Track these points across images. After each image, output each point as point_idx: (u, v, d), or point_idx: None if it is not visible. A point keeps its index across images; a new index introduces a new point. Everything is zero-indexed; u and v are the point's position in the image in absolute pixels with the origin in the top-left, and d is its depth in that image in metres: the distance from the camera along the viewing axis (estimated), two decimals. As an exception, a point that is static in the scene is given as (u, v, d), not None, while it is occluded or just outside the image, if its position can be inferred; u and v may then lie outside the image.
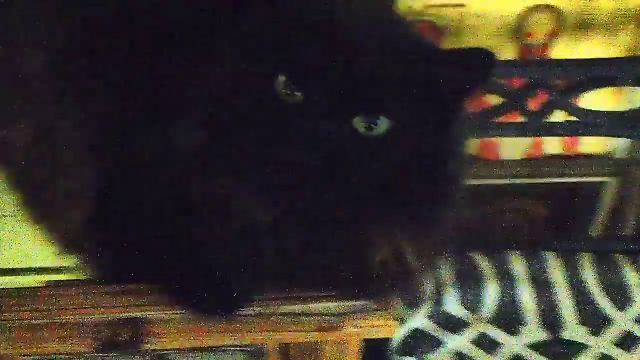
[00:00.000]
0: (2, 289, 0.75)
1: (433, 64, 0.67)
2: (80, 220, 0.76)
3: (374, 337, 0.77)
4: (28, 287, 0.75)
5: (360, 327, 0.75)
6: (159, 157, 0.69)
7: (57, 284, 0.88)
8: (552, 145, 1.32)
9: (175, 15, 0.74)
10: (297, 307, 0.75)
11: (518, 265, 1.19)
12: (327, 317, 0.75)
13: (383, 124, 0.65)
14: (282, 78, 0.65)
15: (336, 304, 0.75)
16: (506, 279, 1.17)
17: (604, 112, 1.11)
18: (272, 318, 0.75)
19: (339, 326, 0.75)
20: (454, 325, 1.14)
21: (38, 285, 0.81)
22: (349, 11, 0.71)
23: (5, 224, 0.96)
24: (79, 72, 0.75)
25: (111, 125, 0.73)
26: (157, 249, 0.73)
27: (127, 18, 0.75)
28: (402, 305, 1.02)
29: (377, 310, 0.75)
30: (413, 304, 1.06)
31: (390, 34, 0.71)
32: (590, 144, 1.33)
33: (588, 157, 1.34)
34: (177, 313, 0.75)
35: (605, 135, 1.11)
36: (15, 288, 0.75)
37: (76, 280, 0.81)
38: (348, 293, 0.75)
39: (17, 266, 1.12)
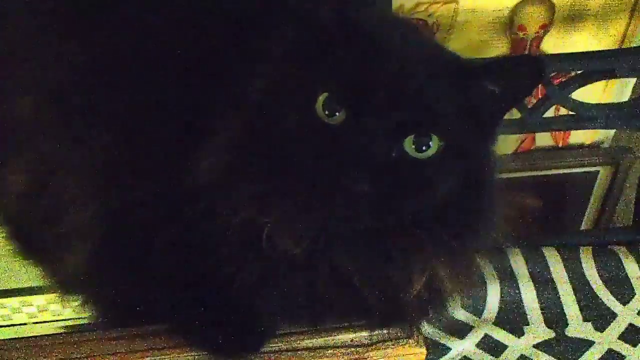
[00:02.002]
0: (9, 339, 0.70)
1: (481, 78, 0.63)
2: (83, 262, 0.71)
3: (403, 365, 0.74)
4: (34, 337, 0.70)
5: (389, 356, 0.72)
6: (177, 189, 0.64)
7: (64, 332, 0.83)
8: (543, 138, 1.30)
9: (207, 31, 0.69)
10: (322, 340, 0.72)
11: (518, 263, 1.17)
12: (354, 349, 0.72)
13: (434, 145, 0.61)
14: (323, 96, 0.60)
15: (363, 333, 0.72)
16: (507, 278, 1.15)
17: (601, 104, 1.09)
18: (295, 354, 0.71)
19: (367, 357, 0.72)
20: (458, 329, 1.11)
21: (43, 334, 0.75)
22: (395, 33, 0.66)
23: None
24: (78, 110, 0.70)
25: (118, 158, 0.68)
26: (171, 288, 0.69)
27: (145, 40, 0.69)
28: (442, 332, 0.99)
29: (405, 338, 0.72)
30: (454, 330, 1.03)
31: (434, 52, 0.67)
32: (580, 135, 1.32)
33: (579, 148, 1.32)
34: (195, 355, 0.70)
35: (603, 128, 1.09)
36: (21, 338, 0.70)
37: (82, 326, 0.76)
38: (376, 322, 0.71)
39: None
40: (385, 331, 0.72)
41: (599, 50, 1.11)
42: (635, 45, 1.20)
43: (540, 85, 1.07)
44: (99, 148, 0.70)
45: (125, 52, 0.71)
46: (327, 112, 0.62)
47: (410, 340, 0.72)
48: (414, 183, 0.63)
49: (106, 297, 0.74)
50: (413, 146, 0.62)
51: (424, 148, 0.62)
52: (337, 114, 0.61)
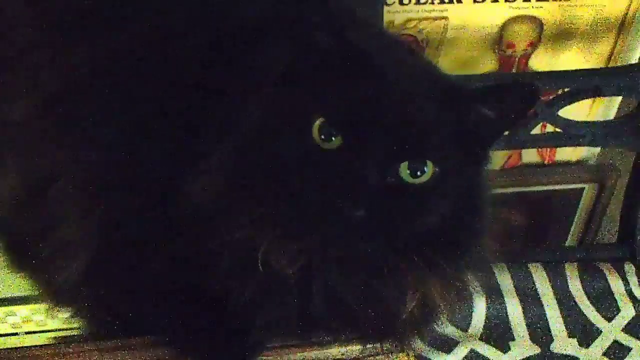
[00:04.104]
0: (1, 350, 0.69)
1: (477, 103, 0.63)
2: (78, 273, 0.70)
3: (393, 379, 0.74)
4: (25, 347, 0.69)
5: (380, 370, 0.72)
6: (171, 205, 0.64)
7: (55, 342, 0.82)
8: (530, 154, 1.31)
9: (203, 52, 0.68)
10: (313, 354, 0.71)
11: (504, 279, 1.17)
12: (346, 362, 0.72)
13: (429, 171, 0.62)
14: (319, 121, 0.61)
15: (355, 347, 0.72)
16: (493, 294, 1.15)
17: (587, 122, 1.10)
18: (287, 366, 0.71)
19: (359, 370, 0.72)
20: (444, 344, 1.11)
21: (34, 344, 0.75)
22: (390, 56, 0.66)
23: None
24: (73, 119, 0.69)
25: (114, 171, 0.68)
26: (165, 301, 0.69)
27: (145, 57, 0.69)
28: (428, 347, 0.99)
29: (396, 352, 0.72)
30: (439, 345, 1.03)
31: (430, 76, 0.67)
32: (566, 152, 1.32)
33: (564, 165, 1.33)
34: (186, 367, 0.70)
35: (589, 145, 1.10)
36: (15, 348, 0.69)
37: (69, 337, 0.76)
38: (369, 336, 0.72)
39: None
40: (378, 345, 0.72)
41: (586, 69, 1.13)
42: (621, 64, 1.22)
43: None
44: (94, 159, 0.69)
45: (123, 65, 0.71)
46: (323, 137, 0.62)
47: (401, 355, 0.72)
48: (408, 208, 0.63)
49: (99, 309, 0.73)
50: (408, 171, 0.62)
51: (418, 173, 0.63)
52: (333, 139, 0.62)
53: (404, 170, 0.62)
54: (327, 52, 0.63)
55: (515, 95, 0.65)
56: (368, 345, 0.71)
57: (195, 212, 0.64)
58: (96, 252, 0.71)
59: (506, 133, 1.06)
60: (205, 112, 0.66)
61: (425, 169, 0.62)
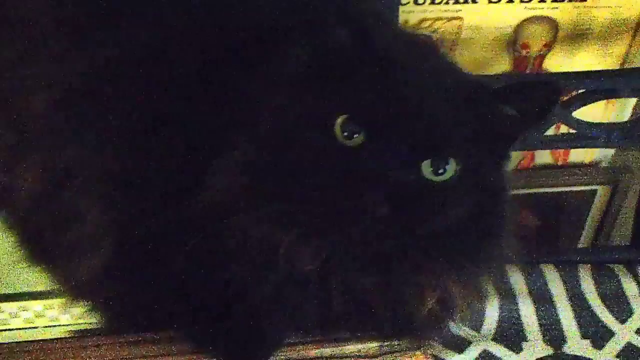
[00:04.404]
0: (15, 342, 0.69)
1: (499, 102, 0.63)
2: (97, 268, 0.70)
3: (409, 376, 0.74)
4: (42, 340, 0.69)
5: (396, 367, 0.72)
6: (191, 200, 0.64)
7: (71, 335, 0.83)
8: (543, 155, 1.31)
9: (223, 49, 0.69)
10: (330, 350, 0.71)
11: (517, 280, 1.17)
12: (361, 359, 0.72)
13: (451, 168, 0.62)
14: (342, 118, 0.61)
15: (372, 344, 0.72)
16: (506, 295, 1.15)
17: (602, 124, 1.10)
18: (304, 363, 0.71)
19: (375, 368, 0.72)
20: (457, 344, 1.11)
21: (51, 338, 0.75)
22: (411, 54, 0.66)
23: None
24: (93, 112, 0.69)
25: (134, 165, 0.68)
26: (184, 296, 0.69)
27: (162, 49, 0.69)
28: (441, 346, 0.99)
29: (413, 349, 0.72)
30: (452, 345, 1.03)
31: (451, 74, 0.67)
32: (579, 154, 1.32)
33: (578, 166, 1.33)
34: (203, 362, 0.70)
35: (603, 147, 1.10)
36: (31, 341, 0.69)
37: (91, 330, 0.76)
38: (386, 334, 0.71)
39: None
40: (395, 342, 0.71)
41: (601, 70, 1.12)
42: (636, 65, 1.22)
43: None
44: (114, 153, 0.69)
45: (144, 60, 0.71)
46: (345, 134, 0.62)
47: (417, 353, 0.72)
48: (431, 206, 0.63)
49: (118, 303, 0.73)
50: (430, 169, 0.62)
51: (441, 171, 0.63)
52: (355, 136, 0.61)
53: (426, 168, 0.62)
54: (349, 49, 0.63)
55: (537, 93, 0.64)
56: (385, 343, 0.71)
57: (216, 208, 0.64)
58: (116, 246, 0.70)
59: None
60: (227, 108, 0.66)
61: (447, 166, 0.62)
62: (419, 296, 0.66)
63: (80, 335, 0.81)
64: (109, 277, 0.72)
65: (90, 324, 0.78)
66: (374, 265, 0.64)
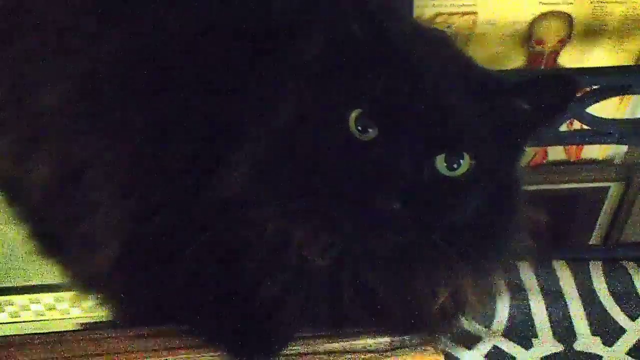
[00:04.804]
0: (26, 334, 0.69)
1: (514, 97, 0.63)
2: (109, 261, 0.71)
3: (420, 372, 0.73)
4: (53, 333, 0.70)
5: (407, 363, 0.72)
6: (205, 193, 0.64)
7: (82, 328, 0.83)
8: (556, 151, 1.30)
9: (238, 43, 0.68)
10: (341, 345, 0.71)
11: (528, 276, 1.17)
12: (373, 354, 0.72)
13: (465, 163, 0.61)
14: (356, 112, 0.60)
15: (383, 339, 0.72)
16: (517, 291, 1.15)
17: (616, 120, 1.10)
18: (314, 357, 0.71)
19: (385, 363, 0.72)
20: (467, 340, 1.11)
21: (62, 330, 0.75)
22: (426, 48, 0.66)
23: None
24: (108, 104, 0.69)
25: (148, 158, 0.68)
26: (195, 289, 0.69)
27: (173, 47, 0.69)
28: (453, 342, 0.99)
29: (424, 345, 0.72)
30: (462, 341, 1.03)
31: (466, 69, 0.66)
32: (592, 150, 1.32)
33: (590, 163, 1.32)
34: (215, 355, 0.70)
35: (617, 143, 1.09)
36: (42, 333, 0.69)
37: (100, 323, 0.76)
38: (398, 329, 0.71)
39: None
40: (405, 338, 0.71)
41: (616, 66, 1.12)
42: (651, 62, 1.21)
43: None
44: (129, 146, 0.69)
45: (156, 53, 0.71)
46: (359, 129, 0.61)
47: (429, 348, 0.72)
48: (444, 201, 0.62)
49: (130, 296, 0.73)
50: (445, 164, 0.62)
51: (455, 166, 0.62)
52: (369, 130, 0.61)
53: (440, 162, 0.62)
54: (363, 43, 0.63)
55: (553, 88, 0.64)
56: (396, 338, 0.71)
57: (229, 202, 0.64)
58: (128, 240, 0.71)
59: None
60: (244, 101, 0.66)
61: (461, 161, 0.62)
62: (431, 292, 0.66)
63: (89, 328, 0.81)
64: (120, 270, 0.72)
65: (100, 317, 0.78)
66: (386, 261, 0.64)
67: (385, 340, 0.71)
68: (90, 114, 0.71)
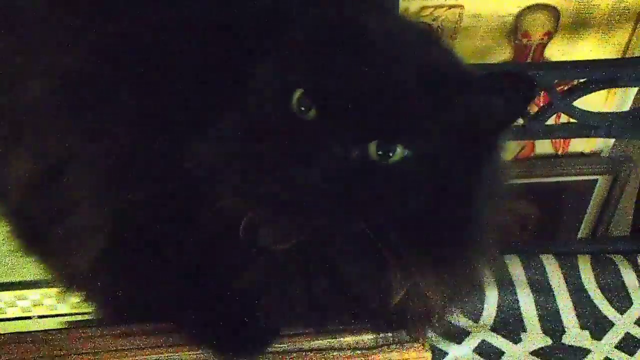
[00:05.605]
0: (12, 333, 0.69)
1: (465, 92, 0.62)
2: (91, 258, 0.70)
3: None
4: (39, 331, 0.69)
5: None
6: (177, 188, 0.64)
7: (69, 325, 0.82)
8: (543, 145, 1.30)
9: (215, 31, 0.68)
10: (327, 342, 0.71)
11: (516, 270, 1.17)
12: (359, 351, 0.71)
13: (398, 153, 0.61)
14: (299, 92, 0.61)
15: (368, 336, 0.71)
16: (505, 285, 1.15)
17: (603, 113, 1.09)
18: (301, 355, 0.70)
19: (372, 359, 0.72)
20: (455, 334, 1.11)
21: (48, 329, 0.74)
22: (379, 29, 0.66)
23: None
24: (89, 99, 0.69)
25: (127, 152, 0.67)
26: (175, 286, 0.68)
27: (144, 38, 0.69)
28: (439, 337, 0.99)
29: (410, 341, 0.72)
30: (451, 335, 1.02)
31: (421, 57, 0.66)
32: (579, 144, 1.31)
33: (578, 156, 1.32)
34: (199, 354, 0.70)
35: (604, 137, 1.09)
36: (28, 332, 0.69)
37: (87, 321, 0.75)
38: (380, 325, 0.71)
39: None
40: (390, 334, 0.71)
41: (603, 59, 1.11)
42: (637, 54, 1.21)
43: (543, 93, 1.07)
44: (108, 141, 0.69)
45: (136, 47, 0.70)
46: (301, 108, 0.62)
47: (415, 344, 0.72)
48: (376, 187, 0.62)
49: (112, 294, 0.73)
50: (378, 152, 0.62)
51: (390, 154, 0.62)
52: (310, 110, 0.62)
53: (373, 149, 0.61)
54: (325, 28, 0.63)
55: (513, 87, 0.63)
56: (381, 335, 0.71)
57: (198, 184, 0.64)
58: (110, 236, 0.70)
59: (521, 123, 1.06)
60: (216, 89, 0.66)
61: (394, 151, 0.62)
62: (387, 288, 0.66)
63: (74, 326, 0.81)
64: (102, 267, 0.71)
65: (87, 314, 0.78)
66: (350, 253, 0.64)
67: (369, 337, 0.71)
68: (70, 110, 0.71)
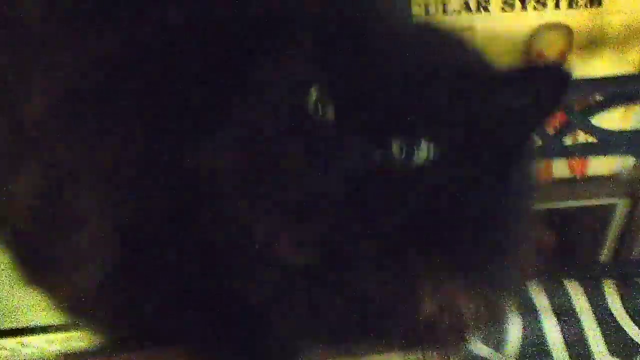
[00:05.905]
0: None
1: (492, 87, 0.59)
2: (98, 281, 0.67)
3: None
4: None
5: (422, 382, 0.68)
6: (186, 197, 0.61)
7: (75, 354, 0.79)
8: (561, 169, 1.27)
9: (223, 37, 0.66)
10: (351, 363, 0.67)
11: (539, 296, 1.14)
12: (384, 372, 0.68)
13: (423, 152, 0.58)
14: (314, 91, 0.58)
15: (397, 357, 0.67)
16: (529, 312, 1.12)
17: (622, 131, 1.08)
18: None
19: (399, 382, 0.68)
20: (479, 365, 1.08)
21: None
22: (398, 24, 0.64)
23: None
24: (93, 114, 0.66)
25: (133, 166, 0.65)
26: (186, 309, 0.65)
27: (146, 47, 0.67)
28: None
29: (439, 361, 0.68)
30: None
31: (445, 50, 0.64)
32: (598, 166, 1.29)
33: (596, 179, 1.29)
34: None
35: (624, 155, 1.07)
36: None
37: (91, 350, 0.72)
38: (409, 343, 0.67)
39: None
40: (419, 355, 0.67)
41: (621, 75, 1.10)
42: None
43: (560, 112, 1.06)
44: (111, 157, 0.67)
45: (139, 59, 0.68)
46: (318, 109, 0.59)
47: (443, 364, 0.68)
48: (399, 191, 0.59)
49: (121, 318, 0.69)
50: (400, 152, 0.59)
51: (410, 155, 0.59)
52: (328, 111, 0.59)
53: (396, 148, 0.58)
54: (332, 24, 0.61)
55: (541, 79, 0.60)
56: (410, 355, 0.67)
57: (207, 180, 0.61)
58: (117, 256, 0.67)
59: (539, 143, 1.04)
60: (223, 98, 0.63)
61: (419, 147, 0.58)
62: (414, 299, 0.62)
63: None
64: (110, 290, 0.68)
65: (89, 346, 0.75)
66: (371, 266, 0.60)
67: (397, 357, 0.67)
68: (72, 126, 0.68)
